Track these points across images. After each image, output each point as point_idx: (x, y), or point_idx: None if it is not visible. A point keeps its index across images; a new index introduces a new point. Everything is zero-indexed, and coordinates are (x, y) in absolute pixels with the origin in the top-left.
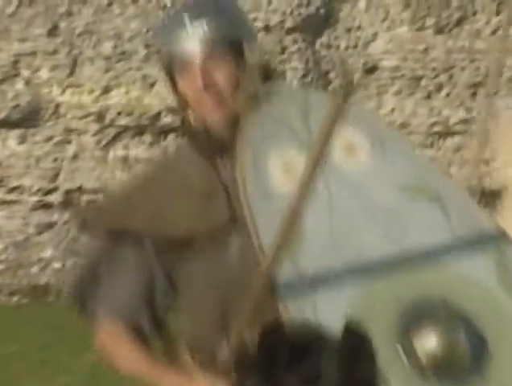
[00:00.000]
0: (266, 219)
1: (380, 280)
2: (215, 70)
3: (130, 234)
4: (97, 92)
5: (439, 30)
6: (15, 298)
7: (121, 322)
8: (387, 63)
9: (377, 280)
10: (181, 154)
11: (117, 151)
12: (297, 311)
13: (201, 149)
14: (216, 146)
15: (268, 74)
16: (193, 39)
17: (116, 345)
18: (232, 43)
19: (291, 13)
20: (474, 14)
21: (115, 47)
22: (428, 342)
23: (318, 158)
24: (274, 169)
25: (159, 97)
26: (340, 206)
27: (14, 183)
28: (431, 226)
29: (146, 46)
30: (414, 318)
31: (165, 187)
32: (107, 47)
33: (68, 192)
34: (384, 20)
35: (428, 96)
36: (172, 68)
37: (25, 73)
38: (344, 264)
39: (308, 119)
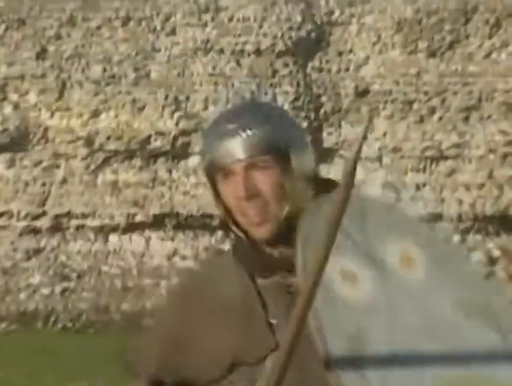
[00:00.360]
0: (333, 330)
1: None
2: (259, 179)
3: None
4: (85, 116)
5: (432, 54)
6: (3, 325)
7: None
8: (379, 86)
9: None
10: (224, 264)
11: (106, 176)
12: None
13: (241, 262)
14: (258, 260)
15: (319, 180)
16: (236, 146)
17: None
18: (277, 150)
19: (282, 36)
20: (467, 37)
21: (104, 70)
22: None
23: (326, 255)
24: (335, 277)
25: (149, 121)
26: (402, 320)
27: (2, 208)
28: (485, 345)
29: (136, 69)
30: None
31: (204, 312)
32: (96, 70)
33: (56, 217)
34: (376, 43)
35: (421, 120)
36: (214, 174)
37: (13, 97)
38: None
39: (365, 224)
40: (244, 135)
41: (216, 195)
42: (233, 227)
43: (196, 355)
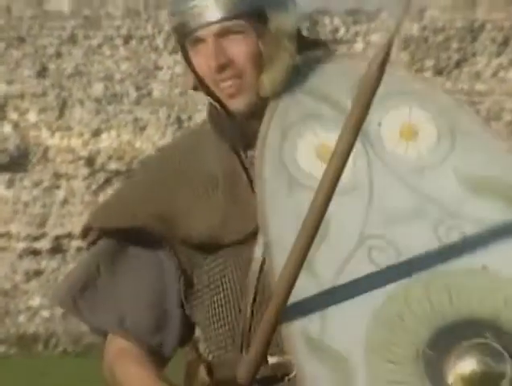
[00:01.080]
0: (281, 218)
1: (417, 283)
2: (232, 46)
3: (145, 234)
4: (86, 136)
5: (438, 72)
6: (2, 348)
7: (131, 338)
8: None
9: (414, 283)
10: (202, 136)
11: (107, 196)
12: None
13: (221, 134)
14: (239, 135)
15: (303, 41)
16: (205, 8)
17: (123, 367)
18: (253, 11)
19: None
20: (474, 55)
21: (106, 89)
22: (463, 368)
23: (351, 141)
24: (306, 153)
25: (151, 141)
26: (385, 204)
27: (1, 229)
28: (491, 226)
29: (138, 88)
30: (451, 333)
31: (184, 179)
32: (97, 89)
33: (57, 238)
34: None
35: None
36: (184, 39)
37: (13, 116)
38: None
39: None
40: None
41: (188, 61)
42: (208, 98)
43: (177, 216)
